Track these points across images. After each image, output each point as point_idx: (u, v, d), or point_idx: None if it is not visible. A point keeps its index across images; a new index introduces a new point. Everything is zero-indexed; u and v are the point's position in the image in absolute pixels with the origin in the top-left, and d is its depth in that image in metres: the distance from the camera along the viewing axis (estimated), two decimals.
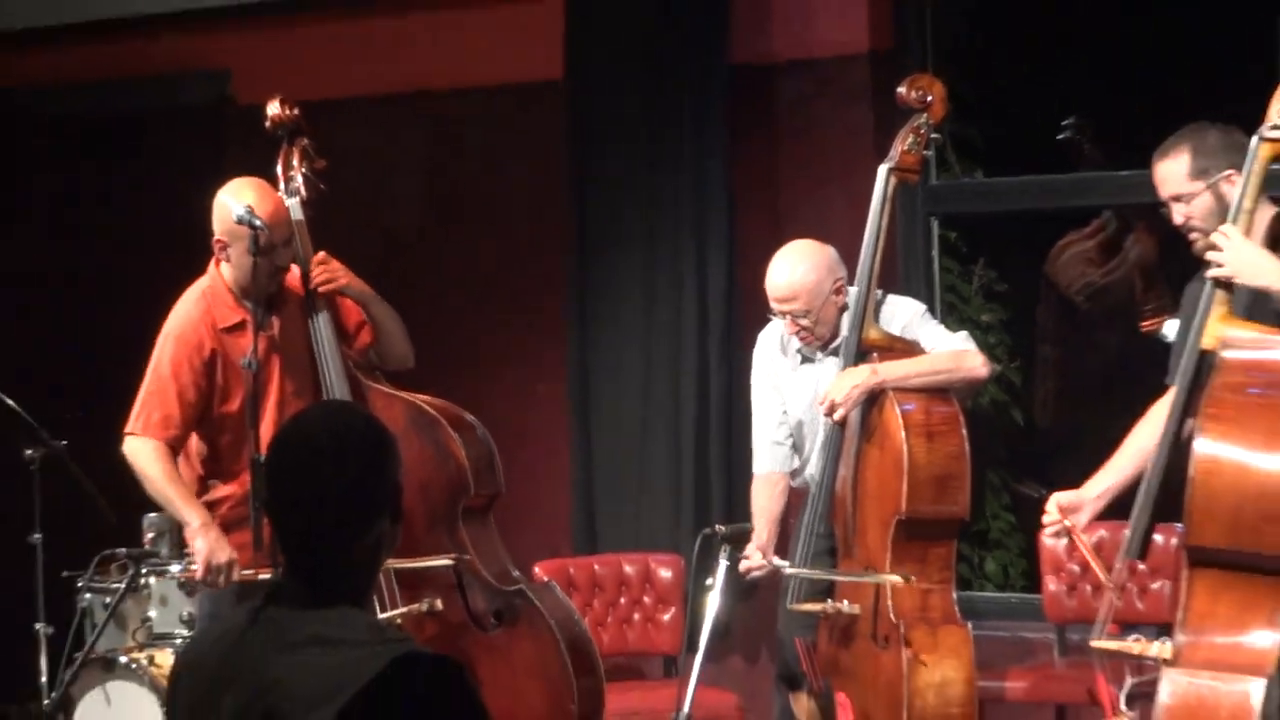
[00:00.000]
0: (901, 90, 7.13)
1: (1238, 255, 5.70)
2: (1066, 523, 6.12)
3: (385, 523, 3.78)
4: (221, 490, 6.93)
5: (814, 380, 7.17)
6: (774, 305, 7.15)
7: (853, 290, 7.05)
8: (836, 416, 6.93)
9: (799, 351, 7.25)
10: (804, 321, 7.09)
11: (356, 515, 3.74)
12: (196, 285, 6.97)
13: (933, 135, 7.15)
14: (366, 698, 3.58)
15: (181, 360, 6.83)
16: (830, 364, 7.12)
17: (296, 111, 7.31)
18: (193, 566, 6.83)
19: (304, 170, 7.22)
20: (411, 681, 3.65)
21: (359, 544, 3.75)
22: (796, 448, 7.33)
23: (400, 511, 3.81)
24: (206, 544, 6.74)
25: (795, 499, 7.38)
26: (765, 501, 7.36)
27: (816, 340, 7.14)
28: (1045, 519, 6.23)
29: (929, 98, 7.07)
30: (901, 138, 7.05)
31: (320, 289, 7.02)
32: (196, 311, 6.88)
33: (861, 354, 6.91)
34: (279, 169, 7.24)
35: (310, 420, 4.11)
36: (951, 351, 7.03)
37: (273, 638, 3.71)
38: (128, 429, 6.85)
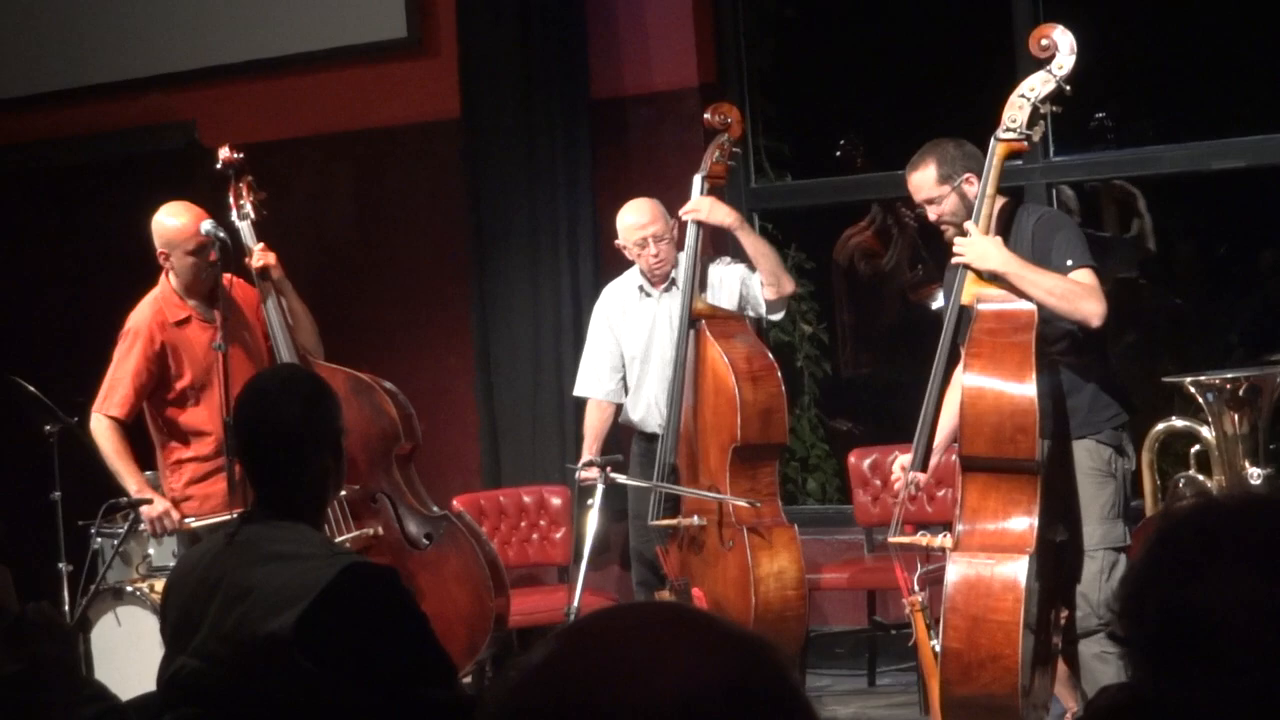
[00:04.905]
0: (707, 116, 7.19)
1: (973, 248, 5.81)
2: (909, 477, 5.97)
3: (328, 457, 3.77)
4: (185, 452, 6.86)
5: (651, 314, 7.17)
6: (634, 236, 7.12)
7: (683, 257, 7.04)
8: (689, 212, 6.98)
9: (640, 288, 7.22)
10: (664, 242, 7.08)
11: (300, 445, 3.73)
12: (150, 294, 6.91)
13: (734, 149, 7.17)
14: (323, 601, 3.57)
15: (137, 353, 6.77)
16: (665, 300, 7.12)
17: (241, 155, 7.24)
18: (142, 526, 6.88)
19: (250, 200, 7.17)
20: (358, 584, 3.64)
21: (306, 470, 3.74)
22: (627, 386, 7.29)
23: (341, 450, 3.80)
24: (146, 505, 6.77)
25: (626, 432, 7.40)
26: (596, 422, 7.37)
27: (666, 265, 7.11)
28: (894, 480, 6.08)
29: (728, 120, 7.11)
30: (709, 153, 7.10)
31: (261, 267, 6.91)
32: (148, 312, 6.83)
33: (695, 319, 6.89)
34: (230, 199, 7.18)
35: (263, 376, 4.16)
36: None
37: (244, 555, 3.71)
38: (94, 408, 6.83)
